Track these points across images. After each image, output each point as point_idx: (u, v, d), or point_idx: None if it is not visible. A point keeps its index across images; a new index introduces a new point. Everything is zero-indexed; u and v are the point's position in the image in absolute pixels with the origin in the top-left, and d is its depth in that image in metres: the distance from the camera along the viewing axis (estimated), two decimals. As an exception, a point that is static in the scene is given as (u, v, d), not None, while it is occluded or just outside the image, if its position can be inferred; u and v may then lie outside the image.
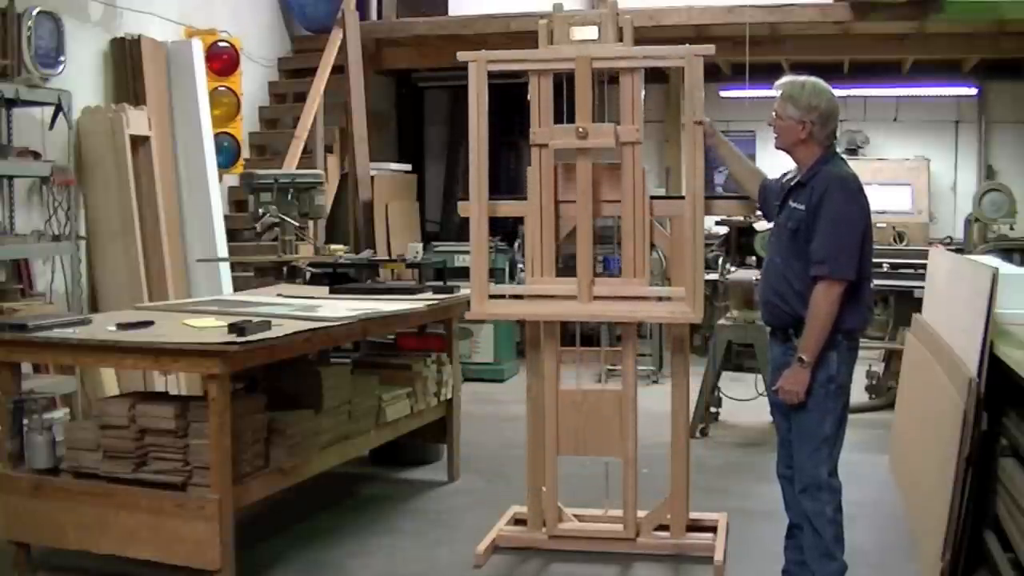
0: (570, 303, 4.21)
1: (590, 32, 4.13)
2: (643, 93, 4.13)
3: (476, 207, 4.23)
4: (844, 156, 3.68)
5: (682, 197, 4.13)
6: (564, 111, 4.18)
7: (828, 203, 3.39)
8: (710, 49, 4.04)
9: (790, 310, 3.49)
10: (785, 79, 3.61)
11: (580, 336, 4.63)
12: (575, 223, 4.23)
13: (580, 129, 4.09)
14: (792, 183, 3.60)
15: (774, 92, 3.60)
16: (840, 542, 3.51)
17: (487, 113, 4.17)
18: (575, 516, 4.47)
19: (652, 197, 4.18)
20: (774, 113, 3.59)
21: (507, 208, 4.36)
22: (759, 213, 4.14)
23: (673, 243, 4.19)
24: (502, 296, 4.50)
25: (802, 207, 3.46)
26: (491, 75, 4.16)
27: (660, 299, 4.23)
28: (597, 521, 4.46)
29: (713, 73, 10.25)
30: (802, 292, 3.44)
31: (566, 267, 4.34)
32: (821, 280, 3.38)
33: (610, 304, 4.21)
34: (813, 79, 3.57)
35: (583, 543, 4.37)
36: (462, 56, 4.21)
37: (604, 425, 4.25)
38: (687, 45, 4.06)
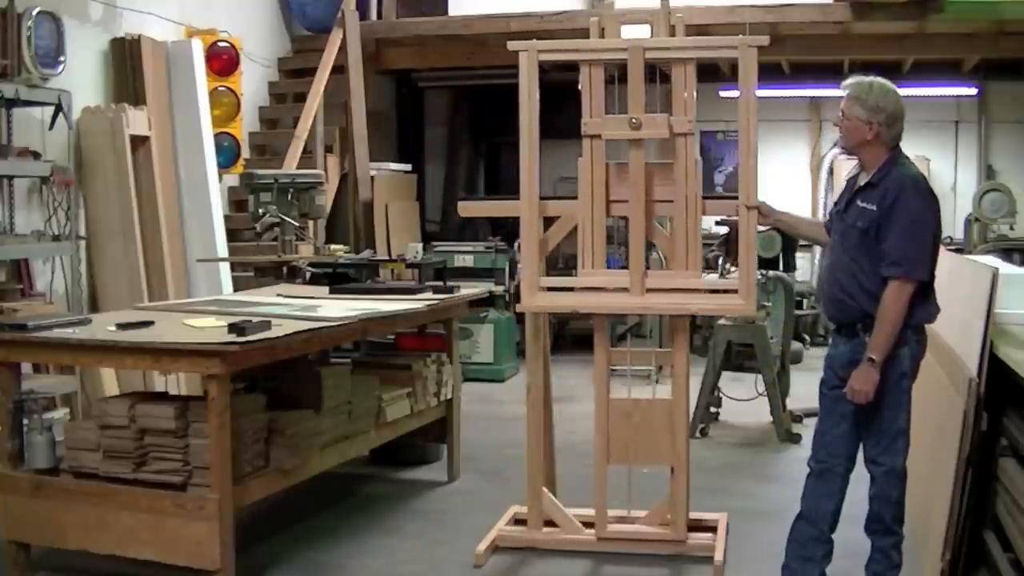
0: (622, 296, 4.18)
1: (642, 31, 4.11)
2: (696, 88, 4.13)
3: (527, 204, 4.19)
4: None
5: (735, 197, 4.12)
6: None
7: (903, 204, 3.42)
8: (764, 40, 4.01)
9: (858, 307, 3.51)
10: (852, 79, 3.62)
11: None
12: (574, 222, 4.22)
13: (633, 119, 4.07)
14: (859, 183, 3.58)
15: (841, 92, 3.60)
16: (901, 520, 3.61)
17: (538, 107, 4.14)
18: (575, 516, 4.46)
19: (704, 196, 4.15)
20: (841, 113, 3.59)
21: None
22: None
23: (676, 242, 4.18)
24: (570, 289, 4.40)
25: (873, 207, 3.47)
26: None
27: (713, 292, 4.26)
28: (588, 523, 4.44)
29: (713, 73, 10.25)
30: (871, 290, 3.46)
31: (566, 266, 4.32)
32: (894, 280, 3.41)
33: (662, 297, 4.18)
34: (880, 80, 3.58)
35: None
36: (512, 46, 4.17)
37: (654, 434, 4.20)
38: (740, 36, 4.02)
